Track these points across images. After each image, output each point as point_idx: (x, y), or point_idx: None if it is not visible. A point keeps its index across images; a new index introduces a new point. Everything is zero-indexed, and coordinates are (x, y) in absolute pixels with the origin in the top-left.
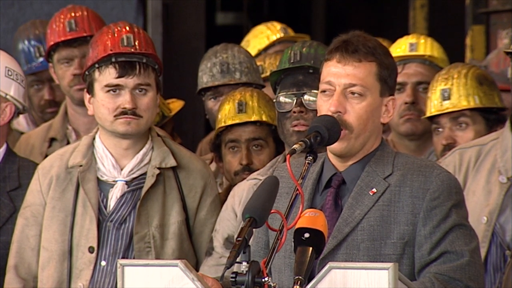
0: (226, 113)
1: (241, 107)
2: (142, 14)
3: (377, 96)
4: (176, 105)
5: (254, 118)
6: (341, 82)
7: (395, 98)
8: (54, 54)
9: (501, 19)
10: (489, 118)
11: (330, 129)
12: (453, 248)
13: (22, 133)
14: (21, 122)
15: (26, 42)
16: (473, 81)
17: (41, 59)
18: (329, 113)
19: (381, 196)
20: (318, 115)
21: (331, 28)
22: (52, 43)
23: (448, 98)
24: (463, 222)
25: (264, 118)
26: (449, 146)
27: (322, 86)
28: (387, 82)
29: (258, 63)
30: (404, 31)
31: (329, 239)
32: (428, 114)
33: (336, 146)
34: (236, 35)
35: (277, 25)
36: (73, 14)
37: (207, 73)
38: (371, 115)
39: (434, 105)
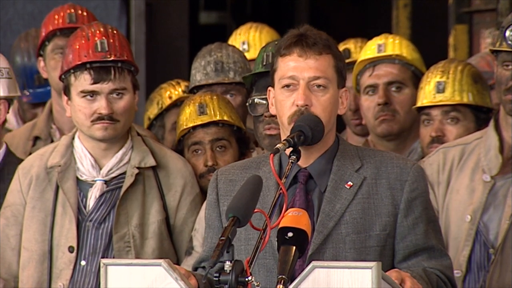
0: (187, 116)
1: (202, 109)
2: (125, 14)
3: (336, 88)
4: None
5: (216, 118)
6: (305, 75)
7: (347, 89)
8: (48, 44)
9: (484, 19)
10: (480, 117)
11: (313, 128)
12: (438, 244)
13: (10, 130)
14: (10, 120)
15: (25, 59)
16: (468, 78)
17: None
18: (296, 108)
19: (359, 189)
20: (280, 111)
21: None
22: (49, 30)
23: (443, 91)
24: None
25: (226, 118)
26: (437, 139)
27: (284, 81)
28: (342, 74)
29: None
30: (387, 31)
31: (314, 234)
32: (419, 104)
33: None
34: (220, 34)
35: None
36: (73, 10)
37: (201, 71)
38: (334, 107)
39: (426, 96)
